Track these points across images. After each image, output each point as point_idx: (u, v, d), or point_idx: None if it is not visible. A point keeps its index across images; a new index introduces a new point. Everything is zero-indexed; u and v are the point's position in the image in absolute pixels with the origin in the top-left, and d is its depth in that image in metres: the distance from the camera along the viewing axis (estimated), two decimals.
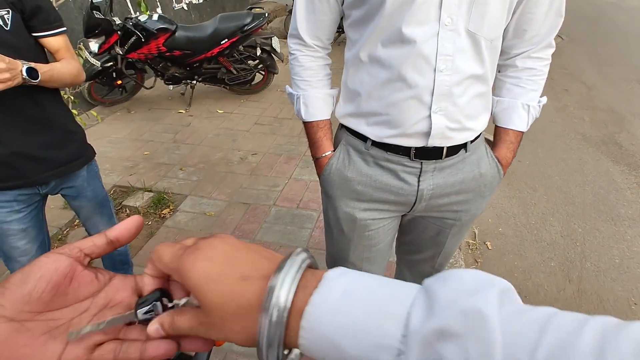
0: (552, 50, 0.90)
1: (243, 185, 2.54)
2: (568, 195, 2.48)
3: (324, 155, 0.95)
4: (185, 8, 4.77)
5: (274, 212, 2.32)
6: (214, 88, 3.88)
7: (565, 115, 3.40)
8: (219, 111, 3.60)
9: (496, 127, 0.96)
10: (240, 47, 3.50)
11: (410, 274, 1.26)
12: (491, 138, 0.98)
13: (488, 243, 2.18)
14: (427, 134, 0.80)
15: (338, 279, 0.26)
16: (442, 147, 0.83)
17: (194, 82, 3.59)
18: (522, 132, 0.94)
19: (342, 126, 0.94)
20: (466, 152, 0.87)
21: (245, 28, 3.36)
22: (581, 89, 3.81)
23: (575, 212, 2.34)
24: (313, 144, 0.97)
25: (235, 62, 3.58)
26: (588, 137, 3.06)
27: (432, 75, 0.74)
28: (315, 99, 0.93)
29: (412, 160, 0.85)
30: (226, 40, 3.35)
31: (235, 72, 3.58)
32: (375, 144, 0.86)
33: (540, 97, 0.93)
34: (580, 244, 2.13)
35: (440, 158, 0.85)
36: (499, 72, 0.93)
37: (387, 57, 0.76)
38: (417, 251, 1.12)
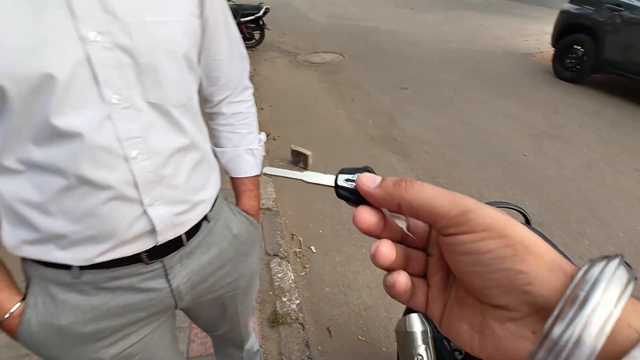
0: (251, 90, 0.88)
1: None
2: None
3: (9, 313, 0.63)
4: None
5: None
6: None
7: (355, 120, 4.05)
8: None
9: (231, 178, 0.92)
10: None
11: (220, 343, 1.14)
12: None
13: (313, 247, 2.37)
14: (153, 231, 0.64)
15: None
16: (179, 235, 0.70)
17: None
18: (258, 176, 0.91)
19: (24, 259, 0.66)
20: (209, 222, 0.77)
21: None
22: (363, 97, 4.62)
23: None
24: None
25: None
26: (373, 137, 3.72)
27: (125, 165, 0.58)
28: None
29: (148, 263, 0.67)
30: None
31: None
32: (86, 267, 0.63)
33: (259, 134, 0.93)
34: None
35: (182, 245, 0.71)
36: (211, 120, 0.88)
37: (48, 159, 0.55)
38: (214, 329, 1.00)
